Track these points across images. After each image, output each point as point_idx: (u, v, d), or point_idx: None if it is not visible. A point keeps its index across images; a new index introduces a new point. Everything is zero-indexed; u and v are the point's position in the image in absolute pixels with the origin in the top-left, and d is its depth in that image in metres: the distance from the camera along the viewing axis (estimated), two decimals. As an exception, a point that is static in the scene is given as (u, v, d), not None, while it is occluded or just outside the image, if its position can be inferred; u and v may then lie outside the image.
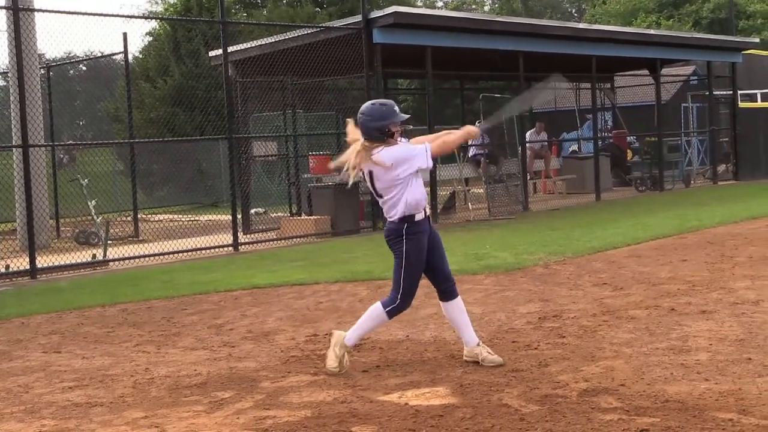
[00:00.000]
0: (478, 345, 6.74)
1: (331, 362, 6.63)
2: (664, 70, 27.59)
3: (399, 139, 6.61)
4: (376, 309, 6.70)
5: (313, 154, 19.35)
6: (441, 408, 5.62)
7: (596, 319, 8.08)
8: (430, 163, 6.59)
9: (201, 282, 11.69)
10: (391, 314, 6.67)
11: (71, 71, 32.17)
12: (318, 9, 38.13)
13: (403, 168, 6.46)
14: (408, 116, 6.67)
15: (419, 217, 6.57)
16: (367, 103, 6.70)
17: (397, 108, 6.60)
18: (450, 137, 6.75)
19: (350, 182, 6.70)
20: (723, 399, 5.53)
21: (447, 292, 6.78)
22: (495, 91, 28.22)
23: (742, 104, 27.55)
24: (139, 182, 21.10)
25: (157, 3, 46.59)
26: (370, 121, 6.49)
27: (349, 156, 6.51)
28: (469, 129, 6.74)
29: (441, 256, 6.75)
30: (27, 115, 13.49)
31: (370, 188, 6.70)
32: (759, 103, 28.01)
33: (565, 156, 27.36)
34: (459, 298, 6.82)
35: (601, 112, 28.86)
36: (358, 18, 17.66)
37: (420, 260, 6.59)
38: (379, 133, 6.48)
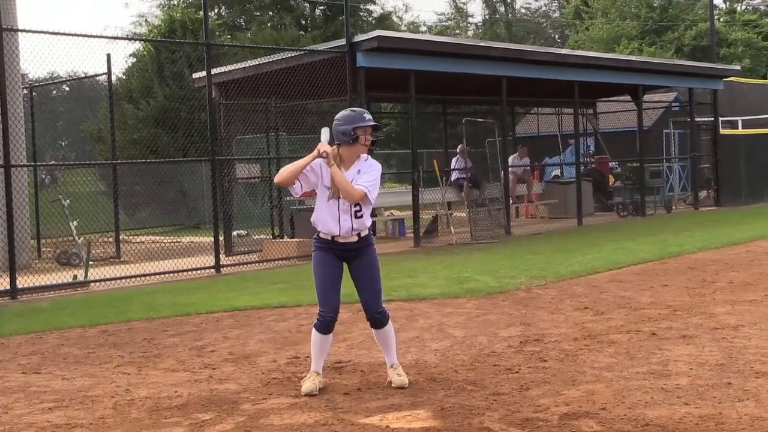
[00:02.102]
0: (391, 367, 6.88)
1: (306, 387, 6.69)
2: (646, 97, 27.76)
3: (363, 156, 6.71)
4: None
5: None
6: (422, 431, 5.61)
7: (577, 343, 8.09)
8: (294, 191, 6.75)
9: (182, 304, 11.65)
10: (316, 326, 6.77)
11: (54, 91, 32.16)
12: (302, 32, 38.33)
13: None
14: (372, 122, 6.67)
15: (322, 235, 6.76)
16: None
17: (366, 115, 6.69)
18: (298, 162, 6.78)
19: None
20: (703, 423, 5.55)
21: (370, 322, 6.90)
22: (478, 115, 28.35)
23: (723, 131, 27.74)
24: (122, 203, 21.06)
25: (141, 24, 46.68)
26: (338, 126, 6.65)
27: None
28: (319, 145, 6.65)
29: (360, 285, 6.82)
30: (9, 135, 13.44)
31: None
32: (740, 130, 28.22)
33: (548, 180, 27.45)
34: (386, 327, 6.87)
35: (583, 137, 28.96)
36: (342, 41, 17.71)
37: (320, 270, 6.77)
38: (344, 137, 6.61)
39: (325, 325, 6.72)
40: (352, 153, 6.68)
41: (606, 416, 5.76)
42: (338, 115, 6.71)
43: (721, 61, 44.44)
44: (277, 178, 6.72)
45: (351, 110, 6.77)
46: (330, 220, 6.67)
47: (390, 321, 6.90)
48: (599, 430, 5.47)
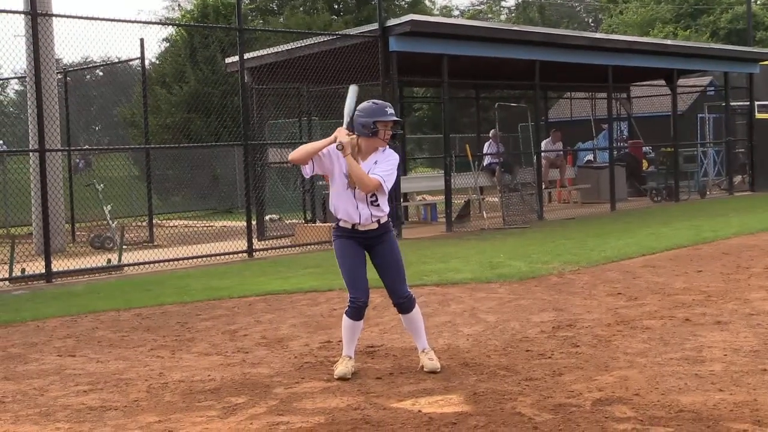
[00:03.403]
0: (422, 351, 6.87)
1: (339, 370, 6.72)
2: (681, 81, 27.52)
3: (387, 140, 6.70)
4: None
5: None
6: (454, 416, 5.61)
7: (610, 329, 8.06)
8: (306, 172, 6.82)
9: (215, 288, 11.71)
10: (347, 313, 6.79)
11: (88, 76, 32.29)
12: (334, 17, 38.26)
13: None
14: (395, 118, 6.67)
15: (342, 224, 6.75)
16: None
17: (388, 109, 6.66)
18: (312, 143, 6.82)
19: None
20: (738, 410, 5.51)
21: (397, 308, 6.91)
22: (511, 100, 28.22)
23: (759, 115, 27.44)
24: (155, 188, 21.15)
25: (174, 9, 46.82)
26: (359, 117, 6.64)
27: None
28: (337, 132, 6.67)
29: (384, 271, 6.82)
30: (44, 120, 13.54)
31: None
32: (776, 115, 27.91)
33: (581, 165, 27.31)
34: (413, 312, 6.87)
35: (616, 122, 28.80)
36: (375, 26, 17.68)
37: (343, 258, 6.75)
38: (364, 129, 6.61)
39: (357, 311, 6.74)
40: (370, 145, 6.67)
41: (639, 402, 5.73)
42: (360, 106, 6.70)
43: (758, 44, 43.99)
44: (291, 156, 6.72)
45: (374, 102, 6.73)
46: (350, 207, 6.68)
47: (417, 305, 6.89)
48: (632, 416, 5.44)
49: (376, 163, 6.65)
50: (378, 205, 6.69)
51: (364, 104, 6.71)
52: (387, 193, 6.68)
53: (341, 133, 6.58)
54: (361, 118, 6.63)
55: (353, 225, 6.71)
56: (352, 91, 6.81)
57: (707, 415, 5.41)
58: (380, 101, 6.78)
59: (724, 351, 7.03)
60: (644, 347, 7.28)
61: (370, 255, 6.84)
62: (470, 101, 31.49)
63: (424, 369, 6.75)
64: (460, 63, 19.82)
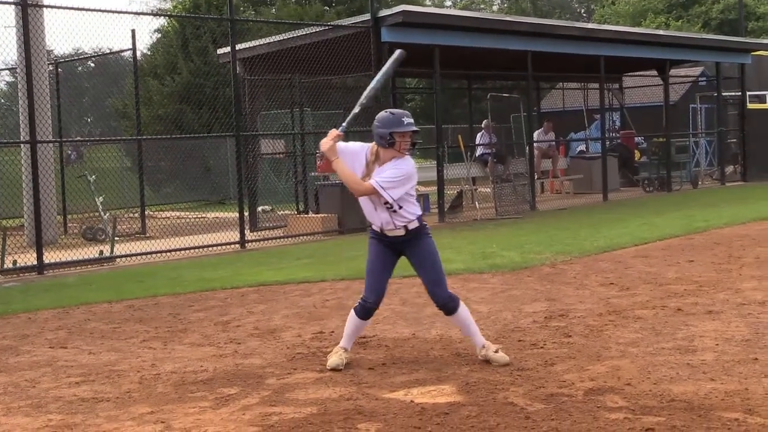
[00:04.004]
0: (483, 347, 6.73)
1: (332, 361, 6.71)
2: (673, 71, 27.52)
3: (405, 150, 6.59)
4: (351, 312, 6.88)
5: (320, 153, 19.31)
6: (447, 406, 5.62)
7: (602, 319, 8.07)
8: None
9: (208, 279, 11.70)
10: (356, 311, 6.78)
11: (79, 68, 32.18)
12: (326, 7, 38.15)
13: None
14: (411, 128, 6.53)
15: (373, 226, 6.77)
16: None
17: (405, 119, 6.54)
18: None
19: None
20: (729, 399, 5.52)
21: (440, 309, 6.83)
22: (503, 90, 28.21)
23: (750, 105, 27.48)
24: (147, 179, 21.11)
25: (165, 0, 46.69)
26: (377, 128, 6.57)
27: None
28: (331, 133, 6.65)
29: (421, 273, 6.76)
30: (35, 111, 13.50)
31: None
32: (768, 105, 27.94)
33: (573, 156, 27.33)
34: (458, 312, 6.75)
35: (609, 113, 28.80)
36: (367, 17, 17.64)
37: (371, 261, 6.75)
38: (381, 140, 6.55)
39: (366, 312, 6.75)
40: (387, 154, 6.58)
41: (631, 392, 5.75)
42: (378, 116, 6.62)
43: (749, 34, 44.01)
44: (359, 194, 6.64)
45: (390, 113, 6.63)
46: (370, 211, 6.69)
47: (462, 304, 6.77)
48: (624, 406, 5.46)
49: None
50: (395, 211, 6.60)
51: (381, 114, 6.64)
52: (389, 198, 6.51)
53: (329, 136, 6.58)
54: (378, 129, 6.55)
55: (381, 229, 6.71)
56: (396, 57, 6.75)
57: (699, 404, 5.42)
58: (397, 111, 6.69)
59: (715, 340, 7.05)
60: (636, 337, 7.30)
61: (407, 257, 6.78)
62: (462, 92, 31.48)
63: (494, 364, 6.59)
64: (453, 53, 19.81)
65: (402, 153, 6.58)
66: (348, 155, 6.67)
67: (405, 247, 6.73)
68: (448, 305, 6.73)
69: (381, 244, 6.74)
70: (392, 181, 6.50)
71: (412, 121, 6.59)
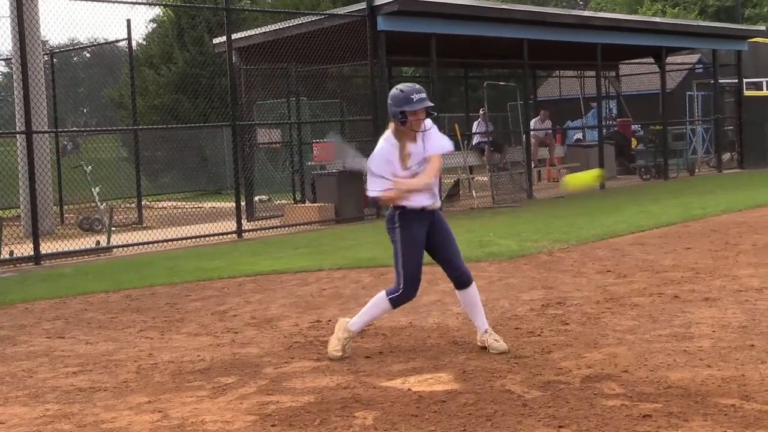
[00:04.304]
0: (486, 332, 6.71)
1: (334, 347, 6.65)
2: (669, 59, 27.52)
3: (423, 126, 6.44)
4: (380, 297, 6.69)
5: (316, 142, 19.35)
6: (444, 394, 5.62)
7: (599, 306, 8.07)
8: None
9: (205, 268, 11.70)
10: (394, 303, 6.63)
11: (75, 58, 32.18)
12: (322, -4, 38.01)
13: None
14: (422, 105, 6.34)
15: (414, 206, 6.47)
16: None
17: (416, 96, 6.33)
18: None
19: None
20: (725, 385, 5.53)
21: (457, 282, 6.72)
22: (500, 79, 28.18)
23: (747, 93, 27.48)
24: (143, 169, 21.10)
25: (161, -10, 46.47)
26: (390, 106, 6.45)
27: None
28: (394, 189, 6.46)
29: (446, 246, 6.64)
30: (30, 102, 13.48)
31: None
32: (765, 92, 27.95)
33: (570, 144, 27.33)
34: (471, 287, 6.69)
35: (605, 101, 28.80)
36: (363, 5, 17.62)
37: (413, 249, 6.50)
38: (394, 118, 6.43)
39: (401, 304, 6.68)
40: (406, 130, 6.43)
41: (628, 379, 5.75)
42: (390, 93, 6.49)
43: (746, 21, 43.96)
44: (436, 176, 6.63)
45: (400, 90, 6.42)
46: (418, 194, 6.49)
47: (474, 282, 6.74)
48: (621, 393, 5.46)
49: (422, 141, 6.46)
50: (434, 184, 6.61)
51: (392, 91, 6.48)
52: (452, 149, 6.65)
53: (395, 192, 6.40)
54: (391, 107, 6.40)
55: (429, 204, 6.55)
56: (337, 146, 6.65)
57: (695, 391, 5.43)
58: (407, 87, 6.44)
59: (712, 327, 7.05)
60: (633, 324, 7.30)
61: (429, 234, 6.58)
62: (459, 80, 31.48)
63: (491, 350, 6.56)
64: (449, 42, 19.77)
65: (418, 130, 6.40)
66: (383, 163, 6.44)
67: (434, 220, 6.60)
68: (465, 276, 6.64)
69: (419, 225, 6.51)
70: (441, 141, 6.56)
71: (423, 95, 6.39)
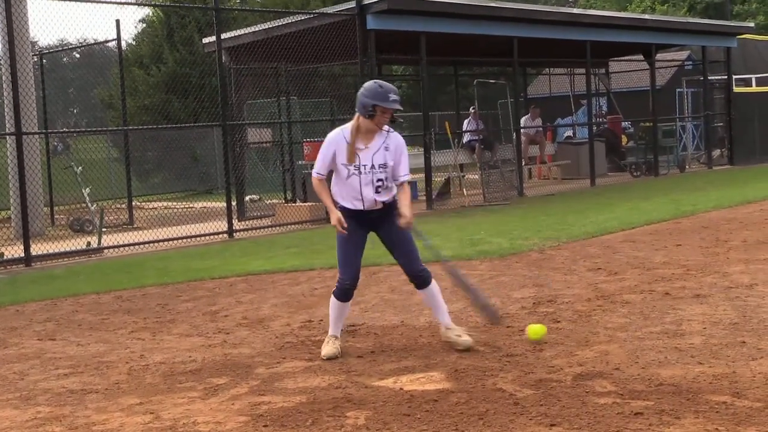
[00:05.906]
0: (447, 329, 6.79)
1: (325, 352, 6.68)
2: (659, 55, 27.55)
3: (384, 128, 6.62)
4: (331, 299, 6.87)
5: (307, 141, 19.34)
6: (436, 393, 5.62)
7: (591, 304, 8.08)
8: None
9: (196, 269, 11.68)
10: (336, 294, 6.77)
11: (65, 59, 32.11)
12: (312, -5, 37.98)
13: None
14: (397, 106, 6.52)
15: (347, 206, 6.68)
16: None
17: (392, 95, 6.50)
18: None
19: None
20: (717, 382, 5.54)
21: (415, 283, 6.88)
22: (490, 77, 28.20)
23: (737, 89, 27.53)
24: (134, 169, 21.07)
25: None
26: (362, 95, 6.55)
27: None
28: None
29: (397, 248, 6.78)
30: (20, 103, 13.45)
31: None
32: (754, 88, 28.00)
33: (560, 141, 27.34)
34: (431, 286, 6.82)
35: (595, 98, 28.83)
36: (352, 4, 17.60)
37: (346, 239, 6.65)
38: (363, 109, 6.53)
39: (344, 293, 6.73)
40: (368, 125, 6.56)
41: (620, 376, 5.76)
42: (365, 84, 6.63)
43: (735, 18, 44.06)
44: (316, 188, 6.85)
45: (379, 85, 6.59)
46: (353, 191, 6.64)
47: (434, 280, 6.84)
48: (613, 390, 5.47)
49: (386, 149, 6.59)
50: (387, 188, 6.66)
51: (368, 83, 6.63)
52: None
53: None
54: (363, 97, 6.52)
55: (361, 206, 6.67)
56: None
57: (687, 388, 5.44)
58: (387, 85, 6.62)
59: (703, 324, 7.06)
60: (624, 322, 7.31)
61: (379, 235, 6.80)
62: (449, 78, 31.44)
63: (456, 348, 6.64)
64: (439, 40, 19.77)
65: (379, 128, 6.58)
66: (329, 149, 6.66)
67: (379, 222, 6.73)
68: (424, 275, 6.77)
69: (353, 220, 6.67)
70: (408, 166, 6.75)
71: (398, 98, 6.56)
